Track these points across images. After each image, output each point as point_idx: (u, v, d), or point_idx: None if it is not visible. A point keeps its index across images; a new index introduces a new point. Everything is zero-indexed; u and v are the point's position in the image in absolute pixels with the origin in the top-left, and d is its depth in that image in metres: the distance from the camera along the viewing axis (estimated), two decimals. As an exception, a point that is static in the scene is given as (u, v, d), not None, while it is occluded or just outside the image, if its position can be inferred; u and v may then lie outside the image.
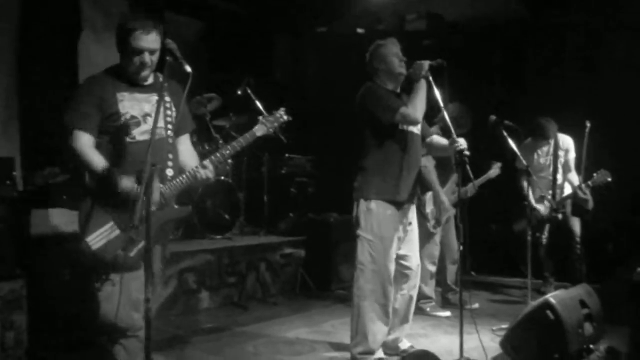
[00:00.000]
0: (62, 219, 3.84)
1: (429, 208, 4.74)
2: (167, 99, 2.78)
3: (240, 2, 6.64)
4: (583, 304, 3.54)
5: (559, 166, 5.29)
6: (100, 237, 2.51)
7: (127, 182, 2.50)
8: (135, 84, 2.69)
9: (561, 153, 5.29)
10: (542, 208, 5.16)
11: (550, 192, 5.22)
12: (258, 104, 5.56)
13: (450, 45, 6.68)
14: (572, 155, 5.27)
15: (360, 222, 3.40)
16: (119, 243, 2.50)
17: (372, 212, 3.35)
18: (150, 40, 2.58)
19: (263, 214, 6.08)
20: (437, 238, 4.84)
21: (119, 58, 2.70)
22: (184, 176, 2.68)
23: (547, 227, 5.29)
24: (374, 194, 3.36)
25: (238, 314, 4.71)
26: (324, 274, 5.64)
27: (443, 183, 4.78)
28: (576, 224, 5.21)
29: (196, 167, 2.69)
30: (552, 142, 5.29)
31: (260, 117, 2.93)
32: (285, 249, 5.54)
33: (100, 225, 2.53)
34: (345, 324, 3.80)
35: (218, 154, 2.75)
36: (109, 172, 2.52)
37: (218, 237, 5.38)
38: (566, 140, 5.31)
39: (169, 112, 2.78)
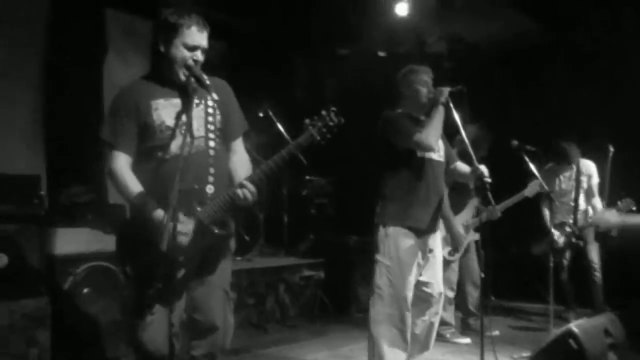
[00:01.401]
0: (88, 238, 3.90)
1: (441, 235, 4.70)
2: (210, 102, 2.52)
3: (261, 23, 6.73)
4: (607, 333, 3.48)
5: (582, 192, 5.25)
6: (137, 266, 2.41)
7: (159, 213, 2.34)
8: (172, 88, 2.49)
9: (583, 178, 5.26)
10: (557, 234, 5.11)
11: (572, 217, 5.18)
12: (279, 125, 5.62)
13: (470, 67, 6.70)
14: (595, 180, 5.24)
15: (379, 247, 3.40)
16: (158, 273, 2.34)
17: (390, 238, 3.34)
18: (204, 38, 2.46)
19: (283, 235, 6.09)
20: (455, 264, 4.79)
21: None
22: (221, 198, 2.41)
23: (568, 252, 5.25)
24: (392, 220, 3.36)
25: (257, 336, 4.71)
26: (343, 296, 5.64)
27: (460, 208, 4.75)
28: (594, 252, 5.17)
29: (234, 188, 2.40)
30: (574, 167, 5.26)
31: (307, 121, 2.42)
32: (304, 271, 5.54)
33: (136, 254, 2.41)
34: (364, 348, 3.76)
35: (258, 171, 2.43)
36: (141, 201, 2.38)
37: (238, 257, 5.39)
38: (588, 166, 5.28)
39: (210, 119, 2.51)
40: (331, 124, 2.40)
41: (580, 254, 5.21)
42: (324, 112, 2.42)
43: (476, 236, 4.82)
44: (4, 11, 4.86)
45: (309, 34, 6.99)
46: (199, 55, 2.46)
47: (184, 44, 2.42)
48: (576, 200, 5.24)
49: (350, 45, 7.36)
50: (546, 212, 4.89)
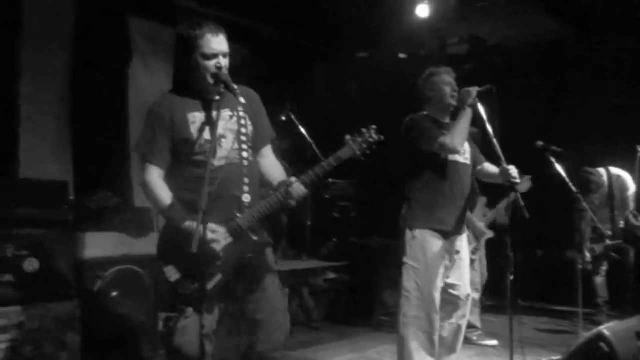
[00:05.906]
0: (115, 242, 3.95)
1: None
2: (242, 114, 2.57)
3: (282, 28, 6.76)
4: (639, 336, 3.42)
5: (616, 206, 5.22)
6: (175, 270, 2.46)
7: (190, 224, 2.38)
8: (206, 100, 2.51)
9: (616, 193, 5.20)
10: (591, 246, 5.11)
11: (610, 232, 5.17)
12: (302, 129, 5.63)
13: (493, 69, 6.65)
14: (629, 192, 5.18)
15: (406, 249, 3.38)
16: (195, 277, 2.40)
17: (417, 241, 3.33)
18: (221, 42, 2.45)
19: (305, 238, 6.09)
20: (477, 264, 4.72)
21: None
22: (268, 201, 2.49)
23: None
24: (418, 223, 3.34)
25: (282, 338, 4.72)
26: (367, 299, 5.61)
27: (471, 208, 4.70)
28: (632, 256, 5.14)
29: (285, 187, 2.47)
30: (605, 185, 5.21)
31: (348, 137, 2.54)
32: (328, 274, 5.54)
33: (174, 260, 2.46)
34: (390, 350, 3.77)
35: (304, 177, 2.53)
36: (173, 213, 2.44)
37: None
38: (621, 179, 5.22)
39: (243, 130, 2.55)
40: (371, 140, 2.54)
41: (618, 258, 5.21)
42: (364, 130, 2.54)
43: (490, 234, 4.77)
44: (30, 22, 4.95)
45: (330, 37, 7.00)
46: (222, 61, 2.45)
47: (203, 55, 2.42)
48: (612, 213, 5.18)
49: (371, 48, 7.35)
50: (582, 226, 4.86)
